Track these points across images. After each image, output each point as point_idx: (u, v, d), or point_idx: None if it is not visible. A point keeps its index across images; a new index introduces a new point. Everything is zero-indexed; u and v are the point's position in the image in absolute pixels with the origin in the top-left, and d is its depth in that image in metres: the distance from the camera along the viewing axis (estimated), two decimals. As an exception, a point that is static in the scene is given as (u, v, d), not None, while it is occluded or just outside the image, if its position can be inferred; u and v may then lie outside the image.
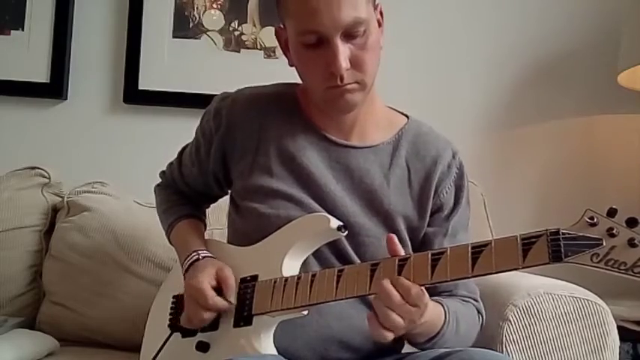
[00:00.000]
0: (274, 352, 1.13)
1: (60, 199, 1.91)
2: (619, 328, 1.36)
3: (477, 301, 1.29)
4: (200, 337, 1.22)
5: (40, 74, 2.13)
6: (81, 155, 2.14)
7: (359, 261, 1.20)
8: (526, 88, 2.20)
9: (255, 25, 2.17)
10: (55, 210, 1.90)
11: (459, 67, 2.20)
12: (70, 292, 1.76)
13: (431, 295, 1.12)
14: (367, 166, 1.26)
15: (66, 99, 2.15)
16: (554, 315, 1.32)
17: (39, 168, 1.92)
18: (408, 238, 1.26)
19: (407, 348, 1.25)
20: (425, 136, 1.32)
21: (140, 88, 2.14)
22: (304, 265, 1.20)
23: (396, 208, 1.25)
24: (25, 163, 1.93)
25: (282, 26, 1.24)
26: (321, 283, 1.10)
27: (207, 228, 1.46)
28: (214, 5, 2.17)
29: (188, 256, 1.29)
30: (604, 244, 0.91)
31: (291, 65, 1.24)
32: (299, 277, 1.14)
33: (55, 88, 2.13)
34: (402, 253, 1.08)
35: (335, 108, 1.22)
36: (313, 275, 1.12)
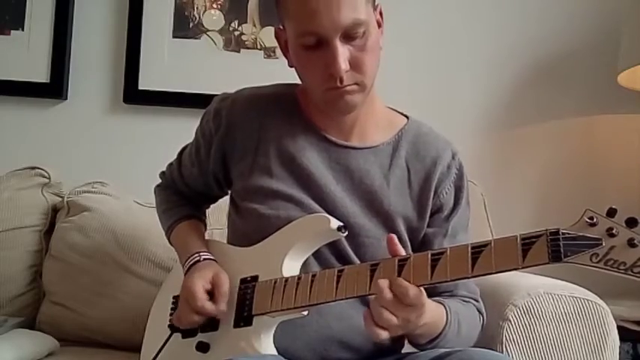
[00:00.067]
0: (274, 352, 1.13)
1: (60, 199, 1.91)
2: (619, 328, 1.36)
3: (477, 301, 1.29)
4: (200, 337, 1.22)
5: (40, 74, 2.13)
6: (81, 155, 2.14)
7: (359, 262, 1.20)
8: (526, 88, 2.20)
9: (255, 25, 2.17)
10: (55, 210, 1.90)
11: (459, 67, 2.20)
12: (70, 292, 1.76)
13: (431, 296, 1.12)
14: (367, 167, 1.26)
15: (66, 99, 2.15)
16: (554, 315, 1.32)
17: (39, 168, 1.92)
18: (407, 239, 1.26)
19: (407, 348, 1.25)
20: (425, 137, 1.31)
21: (140, 88, 2.14)
22: (304, 265, 1.20)
23: (395, 209, 1.25)
24: (25, 163, 1.93)
25: (281, 27, 1.24)
26: (321, 284, 1.10)
27: (208, 228, 1.46)
28: (214, 5, 2.17)
29: (189, 257, 1.29)
30: (603, 244, 0.91)
31: (290, 66, 1.24)
32: (299, 278, 1.14)
33: (55, 88, 2.13)
34: (403, 253, 1.08)
35: (335, 109, 1.22)
36: (313, 276, 1.12)
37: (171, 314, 1.31)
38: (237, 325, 1.18)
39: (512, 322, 1.32)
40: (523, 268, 0.94)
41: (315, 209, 1.22)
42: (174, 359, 1.24)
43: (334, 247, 1.22)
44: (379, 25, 1.21)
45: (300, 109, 1.30)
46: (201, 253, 1.29)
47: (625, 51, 1.94)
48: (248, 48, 2.17)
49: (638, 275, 0.88)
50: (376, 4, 1.21)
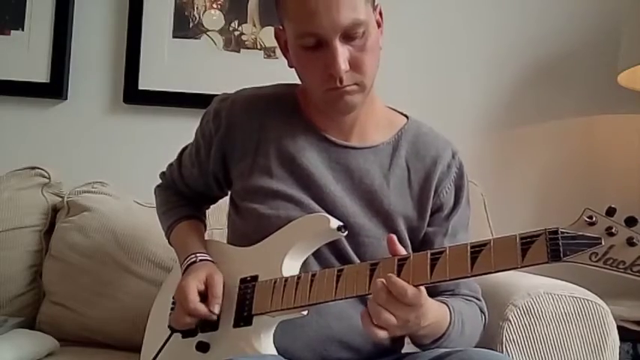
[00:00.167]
0: (274, 352, 1.13)
1: (60, 199, 1.91)
2: (619, 328, 1.36)
3: (479, 300, 1.29)
4: (200, 337, 1.22)
5: (40, 74, 2.13)
6: (81, 155, 2.14)
7: (359, 261, 1.20)
8: (526, 88, 2.20)
9: (255, 25, 2.17)
10: (55, 210, 1.90)
11: (459, 67, 2.20)
12: (70, 292, 1.76)
13: (433, 295, 1.12)
14: (367, 167, 1.26)
15: (66, 99, 2.16)
16: (554, 315, 1.32)
17: (39, 168, 1.92)
18: (408, 238, 1.26)
19: (407, 348, 1.25)
20: (425, 137, 1.31)
21: (140, 88, 2.14)
22: (304, 265, 1.20)
23: (395, 209, 1.25)
24: (25, 163, 1.93)
25: (281, 27, 1.24)
26: (320, 283, 1.11)
27: (208, 228, 1.46)
28: (214, 5, 2.17)
29: (186, 257, 1.29)
30: (603, 243, 0.91)
31: (290, 66, 1.24)
32: (299, 277, 1.14)
33: (55, 88, 2.14)
34: (403, 253, 1.08)
35: (335, 109, 1.22)
36: (313, 275, 1.12)
37: (171, 314, 1.31)
38: (237, 324, 1.18)
39: (512, 322, 1.32)
40: (522, 267, 0.94)
41: (315, 209, 1.22)
42: (174, 359, 1.24)
43: (334, 246, 1.22)
44: (379, 25, 1.21)
45: (300, 110, 1.30)
46: (198, 254, 1.29)
47: (625, 51, 1.94)
48: (248, 48, 2.17)
49: (637, 274, 0.88)
50: (376, 4, 1.21)
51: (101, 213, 1.82)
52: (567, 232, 0.93)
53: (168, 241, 1.43)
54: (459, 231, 1.30)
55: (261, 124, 1.29)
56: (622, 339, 1.37)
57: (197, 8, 2.17)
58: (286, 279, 1.15)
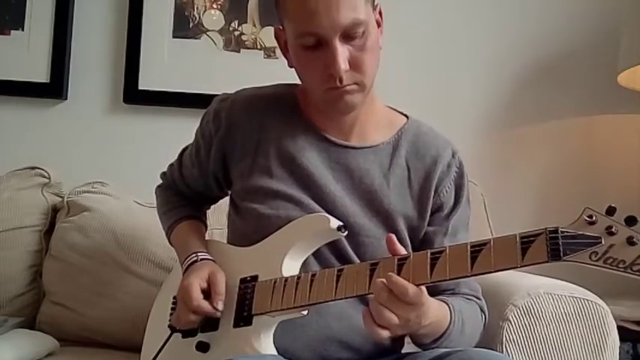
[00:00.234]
0: (274, 352, 1.13)
1: (60, 199, 1.91)
2: (619, 328, 1.36)
3: (479, 299, 1.29)
4: (200, 337, 1.22)
5: (40, 74, 2.13)
6: (81, 155, 2.14)
7: (359, 261, 1.20)
8: (526, 88, 2.20)
9: (255, 25, 2.17)
10: (55, 210, 1.90)
11: (459, 67, 2.20)
12: (70, 292, 1.76)
13: (433, 294, 1.12)
14: (367, 167, 1.26)
15: (66, 99, 2.16)
16: (554, 315, 1.32)
17: (39, 168, 1.92)
18: (408, 238, 1.26)
19: (407, 348, 1.25)
20: (424, 136, 1.31)
21: (140, 88, 2.14)
22: (304, 265, 1.20)
23: (396, 208, 1.25)
24: (25, 163, 1.93)
25: (281, 27, 1.24)
26: (320, 283, 1.11)
27: (208, 228, 1.46)
28: (214, 5, 2.17)
29: (187, 257, 1.29)
30: (603, 242, 0.91)
31: (290, 66, 1.24)
32: (299, 277, 1.14)
33: (55, 88, 2.14)
34: (403, 252, 1.07)
35: (334, 109, 1.22)
36: (313, 275, 1.12)
37: (171, 314, 1.31)
38: (236, 324, 1.18)
39: (512, 322, 1.32)
40: (522, 266, 0.94)
41: (315, 209, 1.22)
42: (174, 359, 1.24)
43: (334, 246, 1.22)
44: (379, 25, 1.21)
45: (300, 110, 1.30)
46: (199, 253, 1.29)
47: (625, 51, 1.94)
48: (248, 48, 2.17)
49: (637, 273, 0.88)
50: (375, 3, 1.21)
51: (101, 213, 1.82)
52: (567, 232, 0.93)
53: (169, 241, 1.43)
54: (459, 230, 1.30)
55: (261, 124, 1.29)
56: (622, 339, 1.37)
57: (197, 8, 2.17)
58: (286, 279, 1.15)
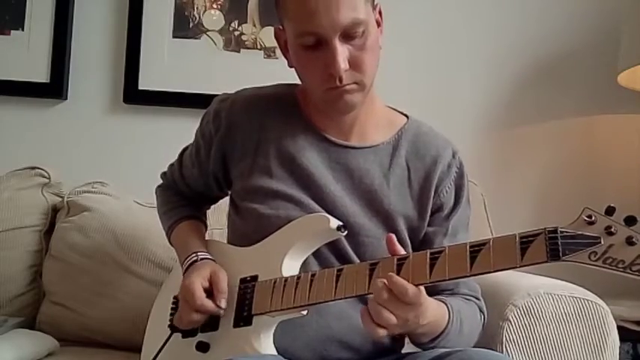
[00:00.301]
0: (274, 352, 1.13)
1: (60, 199, 1.91)
2: (619, 328, 1.36)
3: (478, 299, 1.29)
4: (200, 337, 1.22)
5: (40, 74, 2.13)
6: (81, 155, 2.14)
7: (358, 261, 1.20)
8: (526, 88, 2.20)
9: (255, 25, 2.17)
10: (55, 210, 1.90)
11: (459, 67, 2.20)
12: (70, 292, 1.76)
13: (432, 294, 1.12)
14: (367, 167, 1.26)
15: (66, 99, 2.16)
16: (554, 315, 1.32)
17: (39, 168, 1.92)
18: (408, 238, 1.26)
19: (407, 348, 1.25)
20: (425, 136, 1.31)
21: (140, 88, 2.14)
22: (304, 265, 1.20)
23: (396, 208, 1.25)
24: (25, 163, 1.94)
25: (281, 27, 1.24)
26: (320, 283, 1.11)
27: (208, 228, 1.46)
28: (214, 5, 2.17)
29: (187, 257, 1.29)
30: (602, 242, 0.91)
31: (290, 66, 1.24)
32: (298, 277, 1.14)
33: (55, 88, 2.14)
34: (402, 252, 1.08)
35: (334, 109, 1.22)
36: (313, 275, 1.12)
37: (171, 314, 1.31)
38: (236, 324, 1.18)
39: (512, 322, 1.32)
40: (521, 266, 0.94)
41: (315, 209, 1.22)
42: (174, 359, 1.24)
43: (334, 246, 1.22)
44: (378, 25, 1.21)
45: (299, 110, 1.30)
46: (199, 253, 1.29)
47: (625, 51, 1.94)
48: (248, 48, 2.17)
49: (636, 273, 0.88)
50: (375, 3, 1.21)
51: (101, 213, 1.82)
52: (566, 232, 0.93)
53: (169, 241, 1.43)
54: (459, 231, 1.30)
55: (261, 124, 1.29)
56: (622, 339, 1.37)
57: (197, 8, 2.17)
58: (286, 279, 1.15)
